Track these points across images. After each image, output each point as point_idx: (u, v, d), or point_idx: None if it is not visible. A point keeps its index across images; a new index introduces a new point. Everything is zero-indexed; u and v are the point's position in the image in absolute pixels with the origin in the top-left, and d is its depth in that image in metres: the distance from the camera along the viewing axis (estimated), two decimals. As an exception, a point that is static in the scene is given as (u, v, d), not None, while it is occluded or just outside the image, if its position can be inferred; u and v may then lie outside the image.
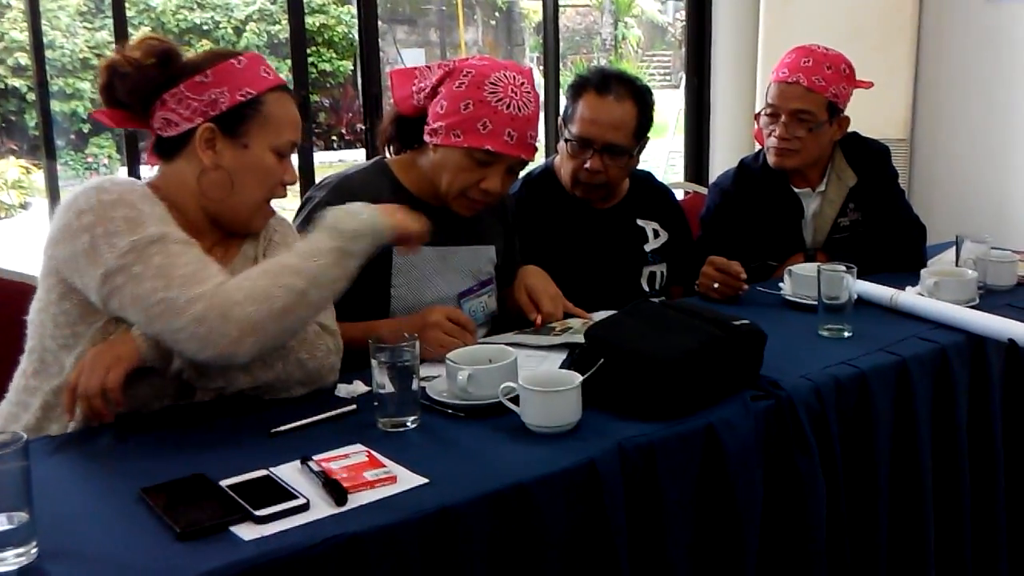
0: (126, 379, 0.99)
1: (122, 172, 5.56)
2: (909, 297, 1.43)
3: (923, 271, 1.49)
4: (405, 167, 1.35)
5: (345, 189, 1.32)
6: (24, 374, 1.08)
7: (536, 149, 1.32)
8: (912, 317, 1.40)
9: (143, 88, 1.06)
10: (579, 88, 1.57)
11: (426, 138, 1.30)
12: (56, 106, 6.44)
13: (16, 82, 6.70)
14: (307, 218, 1.30)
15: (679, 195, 2.11)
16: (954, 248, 1.61)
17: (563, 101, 1.62)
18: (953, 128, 2.68)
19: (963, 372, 1.29)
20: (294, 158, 1.16)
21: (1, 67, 6.94)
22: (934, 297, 1.42)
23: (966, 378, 1.29)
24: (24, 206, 6.19)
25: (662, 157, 7.28)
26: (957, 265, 1.56)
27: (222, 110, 1.06)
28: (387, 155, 1.41)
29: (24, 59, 6.42)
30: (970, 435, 1.29)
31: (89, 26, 7.36)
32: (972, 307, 1.40)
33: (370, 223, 1.06)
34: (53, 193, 2.38)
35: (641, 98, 1.57)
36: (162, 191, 1.09)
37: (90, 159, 7.30)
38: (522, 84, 1.28)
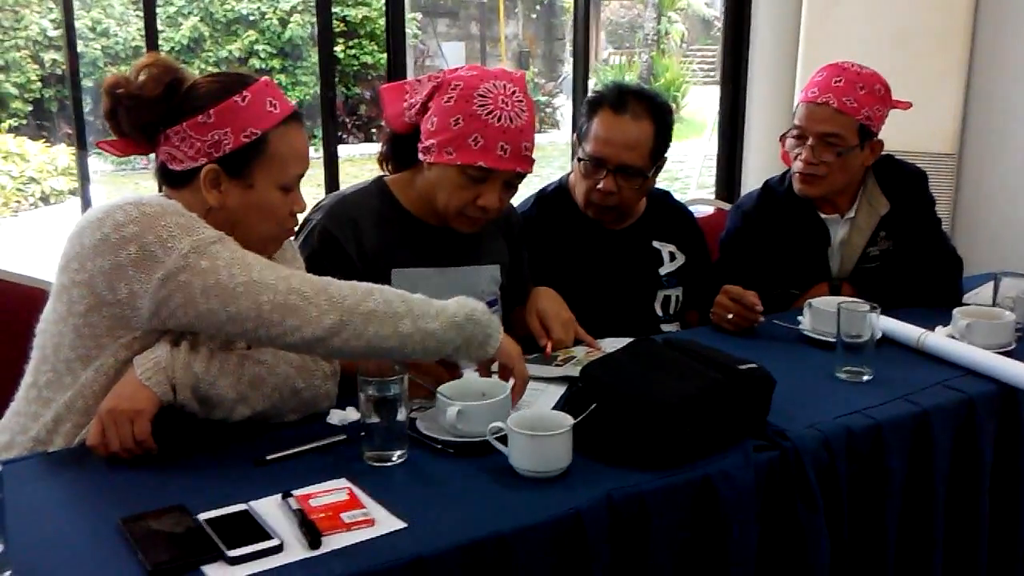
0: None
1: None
2: (938, 339, 1.35)
3: (955, 311, 1.40)
4: (403, 186, 1.32)
5: (340, 211, 1.30)
6: (35, 385, 1.08)
7: (533, 160, 1.27)
8: (941, 361, 1.31)
9: (147, 123, 1.05)
10: (595, 105, 1.52)
11: (420, 156, 1.26)
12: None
13: (71, 69, 6.94)
14: (305, 240, 1.29)
15: (705, 211, 2.03)
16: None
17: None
18: (1006, 143, 2.50)
19: (990, 427, 1.20)
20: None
21: (59, 53, 7.23)
22: (966, 340, 1.33)
23: (993, 433, 1.21)
24: (74, 192, 6.42)
25: (697, 160, 7.01)
26: (994, 304, 1.46)
27: (226, 152, 1.04)
28: (386, 173, 1.38)
29: (80, 46, 6.62)
30: (992, 498, 1.21)
31: (141, 14, 7.56)
32: (1007, 353, 1.30)
33: (493, 325, 1.10)
34: (84, 183, 2.46)
35: (660, 117, 1.51)
36: None
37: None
38: (513, 93, 1.22)
